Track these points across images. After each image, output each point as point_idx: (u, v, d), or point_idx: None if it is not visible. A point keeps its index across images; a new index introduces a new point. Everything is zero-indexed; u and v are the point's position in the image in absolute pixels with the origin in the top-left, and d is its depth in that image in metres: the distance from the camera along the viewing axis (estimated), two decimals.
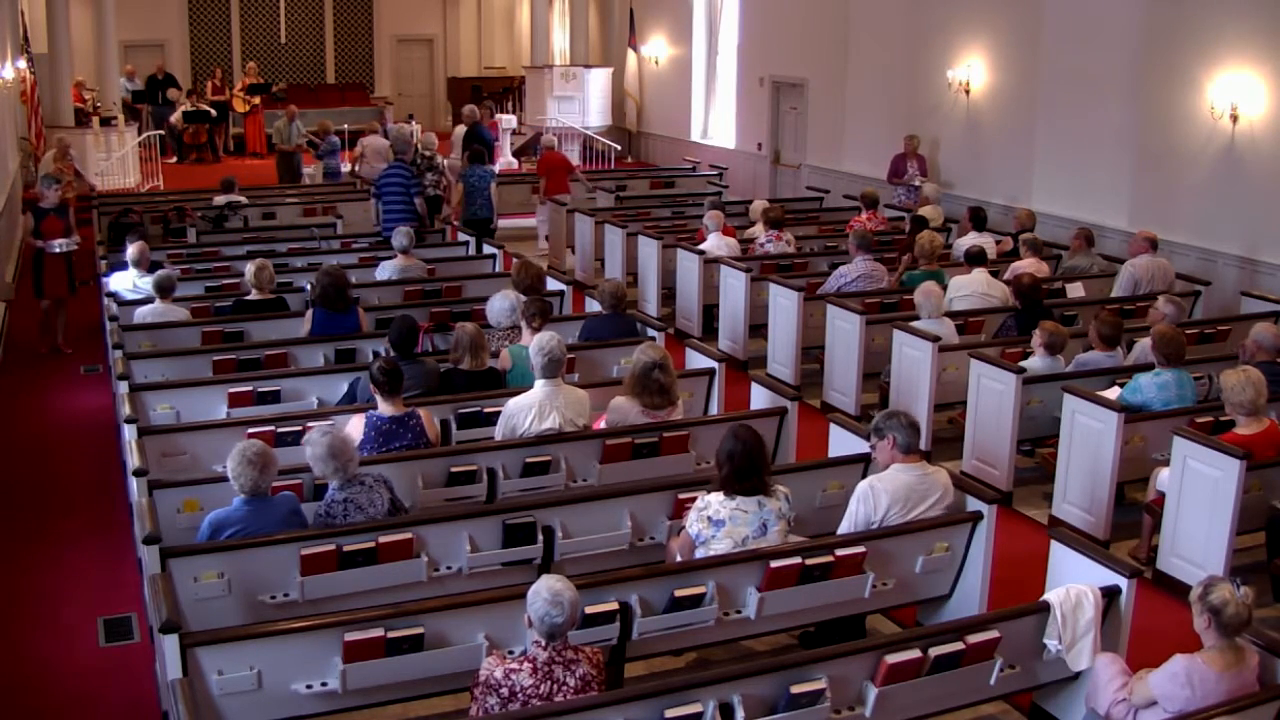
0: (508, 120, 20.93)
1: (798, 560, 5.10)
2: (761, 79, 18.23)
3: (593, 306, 8.88)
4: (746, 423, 5.54)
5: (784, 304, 9.63)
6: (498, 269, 10.79)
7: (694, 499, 5.34)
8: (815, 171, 16.85)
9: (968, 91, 13.89)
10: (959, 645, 4.59)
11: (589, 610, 4.72)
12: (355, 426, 6.05)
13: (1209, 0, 10.73)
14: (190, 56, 24.51)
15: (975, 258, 9.71)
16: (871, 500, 5.45)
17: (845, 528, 5.57)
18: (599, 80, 21.47)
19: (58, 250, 10.56)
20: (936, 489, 5.51)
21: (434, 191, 13.96)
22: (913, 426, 5.43)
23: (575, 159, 20.53)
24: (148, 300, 8.86)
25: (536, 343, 6.38)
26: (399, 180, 11.94)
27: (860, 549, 5.26)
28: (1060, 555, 5.17)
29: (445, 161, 14.81)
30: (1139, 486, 7.35)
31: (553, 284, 9.36)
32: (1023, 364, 7.74)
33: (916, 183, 13.79)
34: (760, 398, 7.08)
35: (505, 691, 4.01)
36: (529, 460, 6.20)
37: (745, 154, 18.87)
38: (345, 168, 16.79)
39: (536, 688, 4.00)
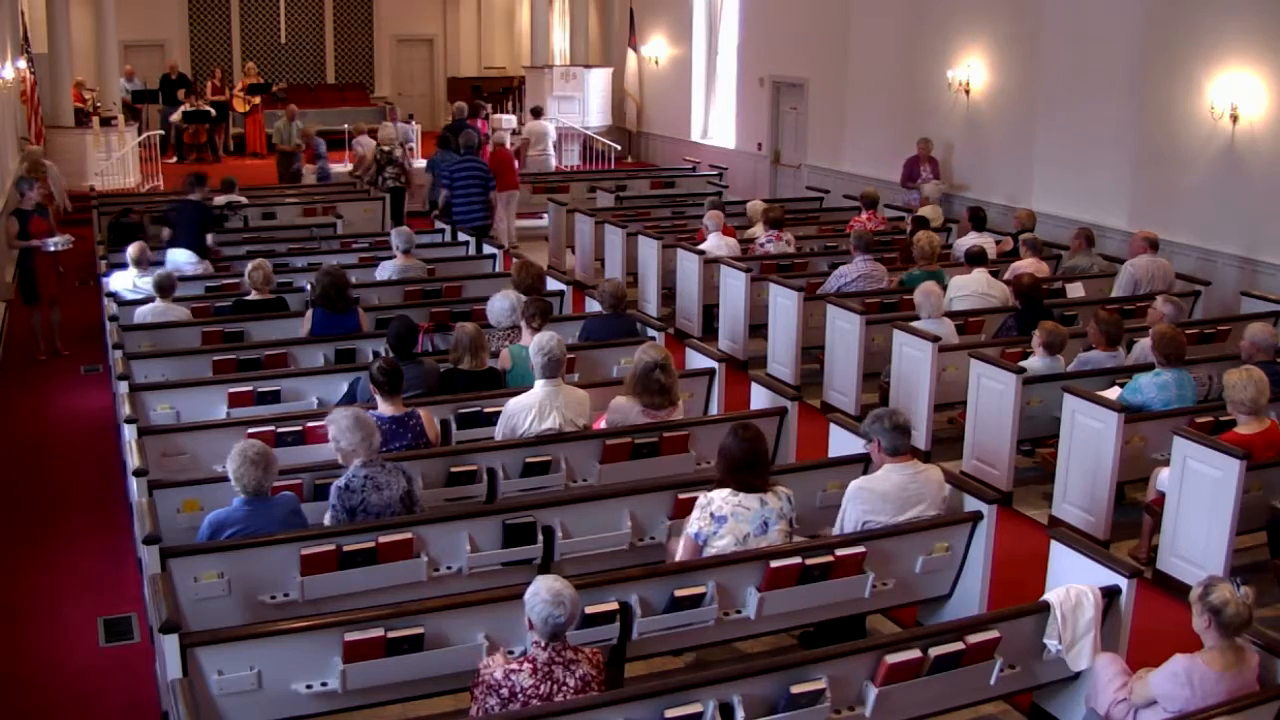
0: (507, 120, 20.92)
1: (798, 560, 5.10)
2: (761, 79, 18.23)
3: (593, 306, 8.88)
4: (746, 421, 5.54)
5: (784, 304, 9.64)
6: (498, 269, 10.79)
7: (694, 499, 5.34)
8: (815, 171, 16.85)
9: (968, 91, 13.89)
10: (959, 645, 4.59)
11: (589, 610, 4.72)
12: None
13: (1209, 0, 10.73)
14: (190, 56, 24.49)
15: (975, 258, 9.71)
16: (860, 503, 5.45)
17: (836, 530, 5.58)
18: (599, 80, 21.48)
19: (52, 249, 10.51)
20: (929, 488, 5.51)
21: (394, 184, 14.94)
22: (897, 429, 5.39)
23: (575, 159, 20.53)
24: (148, 300, 8.86)
25: (536, 343, 6.38)
26: (478, 173, 12.57)
27: (860, 549, 5.26)
28: (1060, 555, 5.17)
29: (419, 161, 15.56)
30: (1139, 486, 7.35)
31: (553, 284, 9.36)
32: (1023, 364, 7.74)
33: (936, 198, 13.59)
34: (760, 398, 7.08)
35: (505, 692, 4.01)
36: (529, 460, 6.21)
37: (745, 154, 18.87)
38: (335, 168, 16.87)
39: (536, 688, 4.00)
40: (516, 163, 20.26)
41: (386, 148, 15.46)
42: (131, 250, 9.69)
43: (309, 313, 8.31)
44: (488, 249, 11.71)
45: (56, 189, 14.55)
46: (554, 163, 19.45)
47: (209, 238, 10.93)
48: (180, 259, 10.50)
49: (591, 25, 22.94)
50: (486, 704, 4.05)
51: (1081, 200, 12.29)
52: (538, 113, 19.50)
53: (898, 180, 14.41)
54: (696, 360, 7.75)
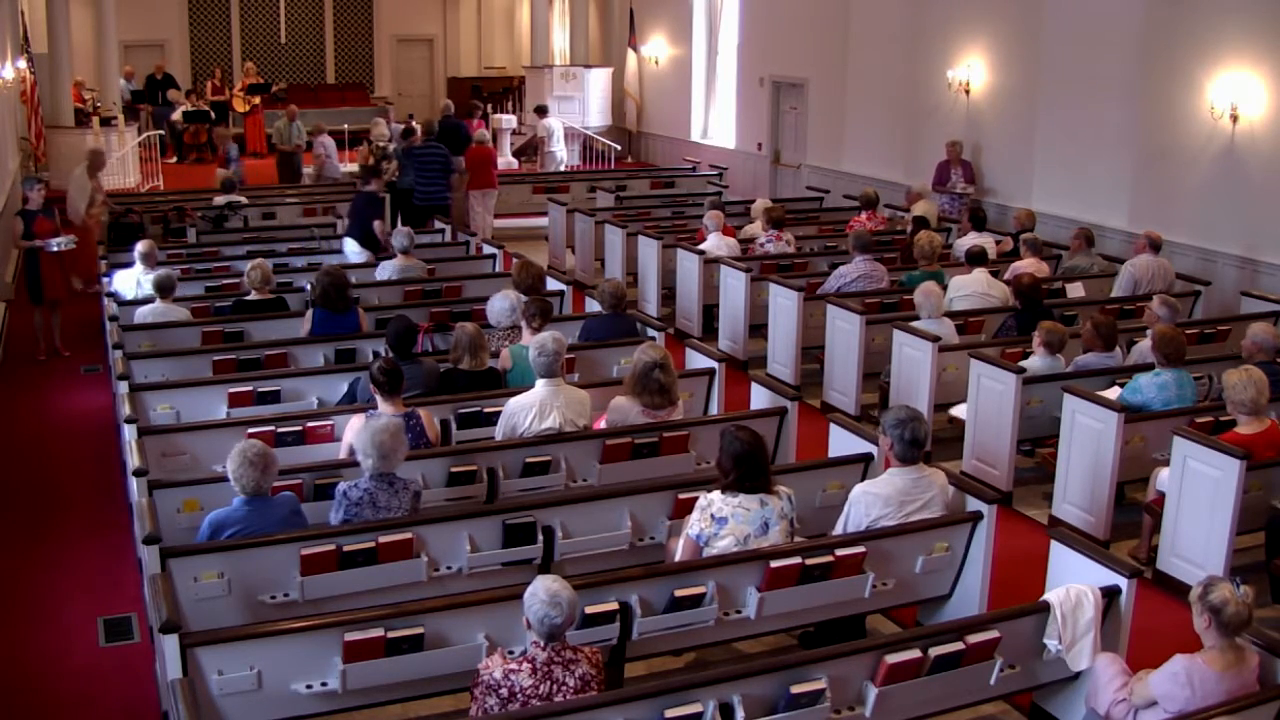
0: (508, 120, 20.92)
1: (798, 560, 5.10)
2: (761, 79, 18.23)
3: (593, 306, 8.88)
4: (742, 423, 5.54)
5: (784, 304, 9.64)
6: (498, 269, 10.79)
7: (694, 499, 5.34)
8: (815, 171, 16.85)
9: (968, 91, 13.89)
10: (959, 645, 4.59)
11: (589, 610, 4.72)
12: (355, 427, 6.04)
13: (1209, 0, 10.73)
14: (190, 56, 24.50)
15: (975, 258, 9.72)
16: (863, 507, 5.46)
17: (837, 532, 5.58)
18: (599, 80, 21.47)
19: (55, 249, 10.51)
20: (932, 490, 5.51)
21: (390, 179, 15.21)
22: (914, 443, 5.38)
23: (575, 159, 20.53)
24: (149, 299, 8.86)
25: (536, 342, 6.39)
26: (440, 157, 13.48)
27: (860, 549, 5.26)
28: (1060, 555, 5.17)
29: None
30: (1139, 486, 7.35)
31: (553, 284, 9.36)
32: (1023, 364, 7.74)
33: (958, 189, 13.37)
34: (760, 398, 7.08)
35: (505, 692, 4.01)
36: (529, 460, 6.21)
37: (745, 154, 18.87)
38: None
39: (536, 688, 4.00)
40: (519, 162, 20.50)
41: (382, 144, 15.83)
42: (141, 246, 9.71)
43: (309, 313, 8.31)
44: (488, 249, 11.73)
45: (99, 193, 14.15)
46: (563, 159, 19.48)
47: (377, 225, 11.40)
48: (349, 249, 11.21)
49: (591, 25, 22.93)
50: (486, 704, 4.05)
51: (1081, 200, 12.28)
52: (543, 111, 19.54)
53: (897, 180, 14.41)
54: (696, 360, 7.75)
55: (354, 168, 17.99)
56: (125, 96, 21.03)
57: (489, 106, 21.34)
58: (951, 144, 13.59)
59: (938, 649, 4.55)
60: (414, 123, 19.52)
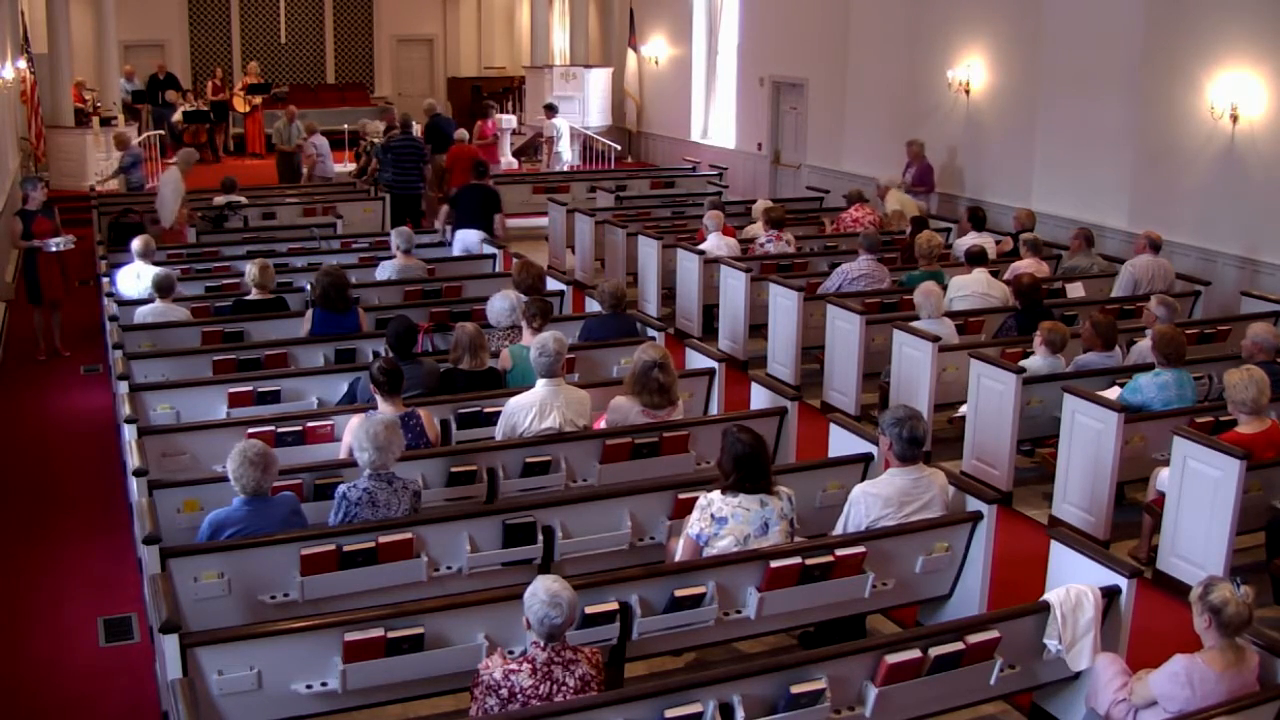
0: (507, 120, 20.90)
1: (798, 560, 5.10)
2: (761, 79, 18.23)
3: (593, 306, 8.88)
4: (743, 424, 5.54)
5: (784, 304, 9.64)
6: (498, 269, 10.79)
7: (694, 499, 5.34)
8: (815, 171, 16.84)
9: (968, 91, 13.89)
10: (959, 645, 4.59)
11: (589, 610, 4.73)
12: (354, 426, 6.04)
13: (1209, 0, 10.73)
14: (190, 56, 24.48)
15: (975, 258, 9.72)
16: (863, 507, 5.46)
17: (838, 532, 5.58)
18: (599, 80, 21.45)
19: (54, 249, 10.51)
20: (932, 490, 5.51)
21: (373, 174, 15.87)
22: (913, 441, 5.39)
23: (576, 159, 20.54)
24: (150, 296, 8.86)
25: (536, 342, 6.39)
26: (415, 149, 14.16)
27: (860, 549, 5.26)
28: (1060, 555, 5.17)
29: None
30: (1139, 486, 7.35)
31: (553, 284, 9.36)
32: (1022, 364, 7.74)
33: (893, 186, 13.32)
34: (760, 398, 7.08)
35: (505, 692, 4.01)
36: (529, 460, 6.21)
37: (745, 154, 18.87)
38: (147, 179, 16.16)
39: (536, 688, 4.00)
40: (519, 162, 20.46)
41: (377, 140, 15.92)
42: (136, 243, 9.70)
43: (309, 313, 8.31)
44: (488, 249, 11.73)
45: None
46: (568, 160, 19.46)
47: (496, 219, 11.89)
48: (471, 239, 11.46)
49: (591, 25, 22.92)
50: (486, 704, 4.05)
51: (1081, 200, 12.28)
52: (552, 110, 19.51)
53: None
54: (696, 360, 7.75)
55: (351, 167, 18.04)
56: (125, 96, 21.02)
57: (494, 106, 21.32)
58: (909, 142, 13.77)
59: (938, 649, 4.55)
60: (415, 125, 19.59)
